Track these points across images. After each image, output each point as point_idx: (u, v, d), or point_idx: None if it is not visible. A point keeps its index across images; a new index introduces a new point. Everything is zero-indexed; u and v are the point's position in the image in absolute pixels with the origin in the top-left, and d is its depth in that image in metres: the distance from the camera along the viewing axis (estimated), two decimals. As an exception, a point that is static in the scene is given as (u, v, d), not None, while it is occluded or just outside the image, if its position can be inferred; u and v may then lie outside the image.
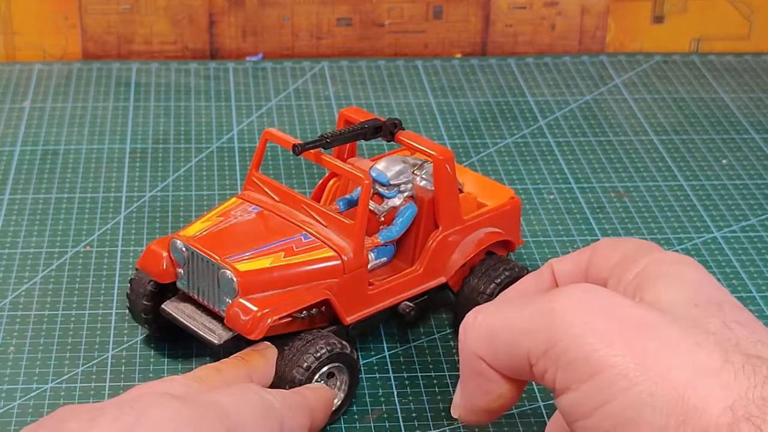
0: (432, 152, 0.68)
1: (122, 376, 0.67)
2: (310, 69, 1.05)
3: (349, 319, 0.66)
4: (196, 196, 0.86)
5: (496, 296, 0.67)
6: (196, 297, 0.66)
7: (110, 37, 1.07)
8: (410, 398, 0.66)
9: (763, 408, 0.43)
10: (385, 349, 0.70)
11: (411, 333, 0.72)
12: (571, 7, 1.10)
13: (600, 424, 0.46)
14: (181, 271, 0.66)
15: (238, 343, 0.64)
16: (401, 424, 0.64)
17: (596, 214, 0.84)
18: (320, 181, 0.73)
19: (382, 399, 0.66)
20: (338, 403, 0.64)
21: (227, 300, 0.63)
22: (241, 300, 0.63)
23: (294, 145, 0.67)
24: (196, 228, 0.67)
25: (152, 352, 0.69)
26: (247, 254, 0.64)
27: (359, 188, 0.67)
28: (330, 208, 0.68)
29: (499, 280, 0.69)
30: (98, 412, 0.50)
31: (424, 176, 0.69)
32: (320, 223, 0.67)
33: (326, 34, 1.08)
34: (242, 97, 1.00)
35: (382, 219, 0.69)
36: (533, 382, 0.63)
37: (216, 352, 0.66)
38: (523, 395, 0.66)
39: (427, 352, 0.70)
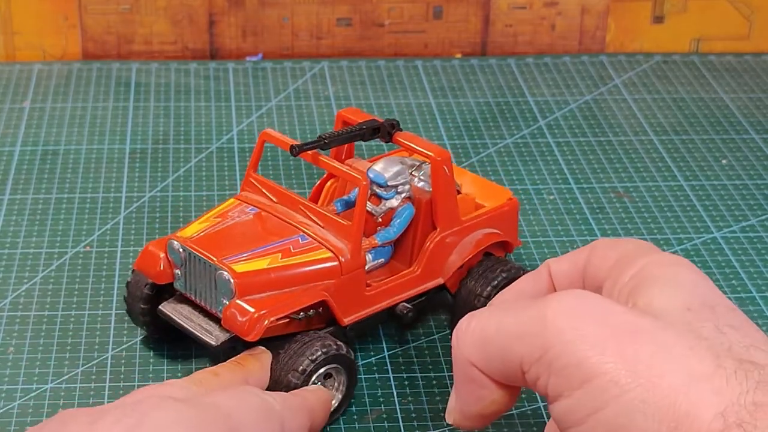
0: (429, 153, 0.68)
1: (122, 376, 0.67)
2: (310, 69, 1.05)
3: (347, 321, 0.66)
4: (195, 197, 0.86)
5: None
6: (193, 298, 0.66)
7: (110, 37, 1.07)
8: (409, 399, 0.66)
9: (754, 414, 0.43)
10: (385, 349, 0.70)
11: (410, 333, 0.72)
12: (571, 7, 1.10)
13: (593, 431, 0.46)
14: (178, 272, 0.66)
15: (235, 345, 0.64)
16: (400, 424, 0.64)
17: (596, 215, 0.84)
18: (318, 182, 0.73)
19: (382, 399, 0.66)
20: (336, 404, 0.64)
21: (224, 301, 0.63)
22: (238, 301, 0.63)
23: (292, 146, 0.67)
24: (193, 229, 0.67)
25: (152, 353, 0.69)
26: (245, 255, 0.64)
27: (357, 189, 0.67)
28: (327, 210, 0.68)
29: (496, 282, 0.69)
30: (99, 415, 0.50)
31: (421, 177, 0.69)
32: (318, 224, 0.67)
33: (326, 34, 1.08)
34: (242, 98, 1.00)
35: (380, 220, 0.69)
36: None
37: (214, 354, 0.66)
38: (523, 395, 0.66)
39: (426, 352, 0.70)
